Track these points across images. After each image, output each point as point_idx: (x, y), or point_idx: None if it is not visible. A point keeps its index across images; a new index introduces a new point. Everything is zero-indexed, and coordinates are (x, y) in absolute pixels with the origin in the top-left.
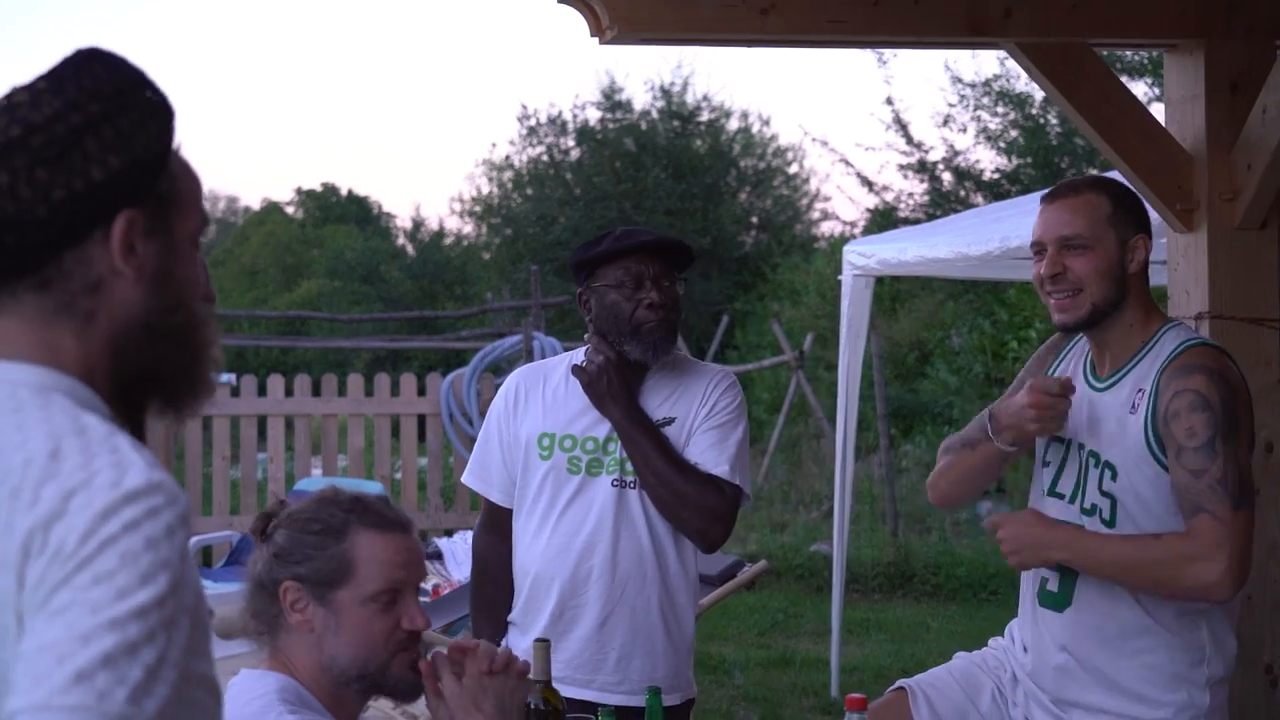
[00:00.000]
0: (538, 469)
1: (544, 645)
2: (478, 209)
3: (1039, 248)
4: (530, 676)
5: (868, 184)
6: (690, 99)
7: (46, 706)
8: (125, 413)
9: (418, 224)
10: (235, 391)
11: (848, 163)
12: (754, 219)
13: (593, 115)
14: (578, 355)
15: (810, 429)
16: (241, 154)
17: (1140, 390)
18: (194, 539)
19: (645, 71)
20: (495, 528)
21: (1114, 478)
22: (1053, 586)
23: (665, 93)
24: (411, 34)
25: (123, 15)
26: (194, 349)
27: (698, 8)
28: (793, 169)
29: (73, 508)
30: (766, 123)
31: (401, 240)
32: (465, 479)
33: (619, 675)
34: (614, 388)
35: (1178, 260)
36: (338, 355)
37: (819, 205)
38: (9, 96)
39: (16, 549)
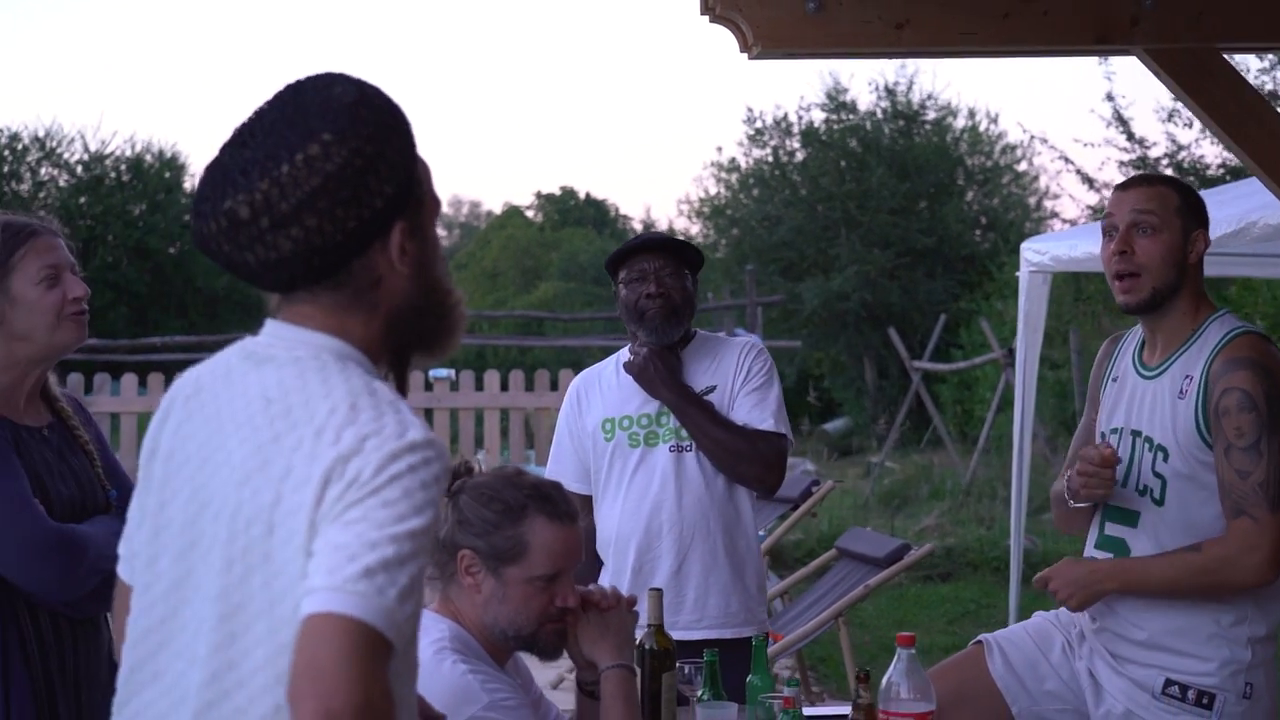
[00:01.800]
0: (605, 450)
1: (657, 593)
2: (705, 210)
3: (1111, 228)
4: (649, 621)
5: (1088, 181)
6: (915, 97)
7: (341, 589)
8: (394, 366)
9: (647, 226)
10: (454, 386)
11: (1067, 160)
12: (982, 218)
13: (817, 116)
14: (624, 354)
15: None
16: (485, 159)
17: (1189, 377)
18: None
19: (869, 72)
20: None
21: (1165, 459)
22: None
23: (890, 92)
24: (643, 40)
25: (372, 26)
26: (447, 314)
27: (836, 24)
28: (1021, 166)
29: (368, 448)
30: (994, 120)
31: None
32: (546, 474)
33: (698, 613)
34: (661, 373)
35: None
36: (570, 355)
37: (1047, 203)
38: (305, 150)
39: (320, 473)
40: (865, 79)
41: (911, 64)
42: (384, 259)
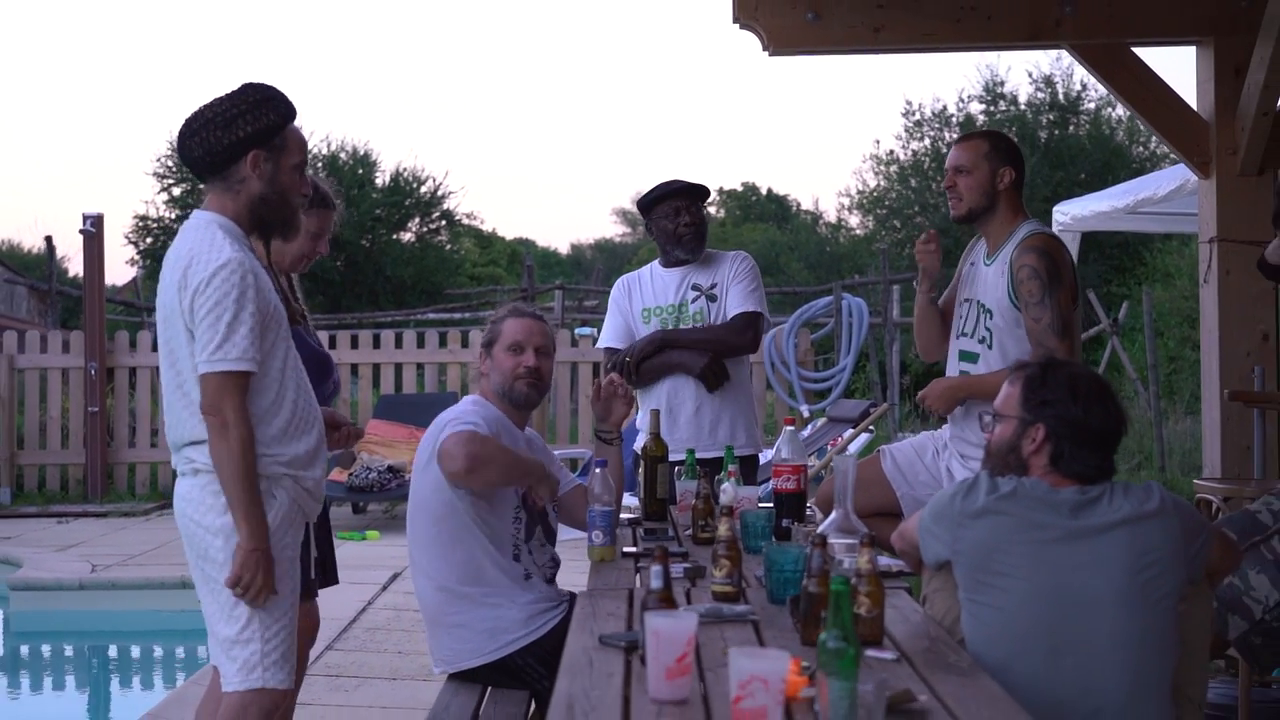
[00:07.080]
0: (646, 330)
1: (655, 412)
2: (864, 203)
3: (946, 171)
4: (649, 432)
5: None
6: (1074, 87)
7: (210, 359)
8: (263, 237)
9: (815, 217)
10: (595, 342)
11: None
12: None
13: (975, 109)
14: (657, 264)
15: (1126, 390)
16: (670, 157)
17: (1006, 262)
18: (564, 451)
19: (1026, 64)
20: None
21: (992, 318)
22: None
23: (1047, 83)
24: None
25: (564, 34)
26: (287, 212)
27: (829, 29)
28: None
29: (197, 266)
30: None
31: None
32: (600, 343)
33: (712, 439)
34: (644, 349)
35: (1202, 200)
36: None
37: None
38: (213, 102)
39: (179, 278)
40: (1023, 70)
41: (1067, 55)
42: (245, 169)
